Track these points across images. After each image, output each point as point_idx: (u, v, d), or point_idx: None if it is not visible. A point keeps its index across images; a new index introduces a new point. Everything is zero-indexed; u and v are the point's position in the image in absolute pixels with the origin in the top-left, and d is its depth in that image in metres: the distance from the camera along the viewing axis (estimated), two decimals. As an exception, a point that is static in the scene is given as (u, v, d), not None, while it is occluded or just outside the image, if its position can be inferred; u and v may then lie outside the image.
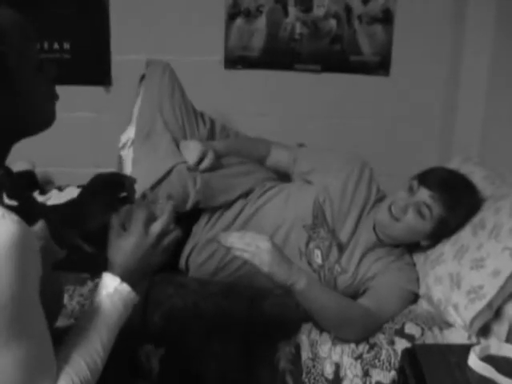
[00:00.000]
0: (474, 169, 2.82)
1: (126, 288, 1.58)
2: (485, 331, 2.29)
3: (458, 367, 1.70)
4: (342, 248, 2.55)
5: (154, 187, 2.54)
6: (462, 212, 2.48)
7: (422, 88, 3.38)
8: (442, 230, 2.50)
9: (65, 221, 1.87)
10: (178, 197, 2.56)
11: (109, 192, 1.96)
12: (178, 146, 2.70)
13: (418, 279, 2.53)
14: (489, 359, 1.72)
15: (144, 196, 1.77)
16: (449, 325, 2.33)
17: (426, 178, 2.52)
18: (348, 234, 2.58)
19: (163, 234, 1.63)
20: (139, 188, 2.41)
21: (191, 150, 2.62)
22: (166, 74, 2.79)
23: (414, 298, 2.49)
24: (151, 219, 1.64)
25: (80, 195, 2.04)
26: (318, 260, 2.51)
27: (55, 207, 2.62)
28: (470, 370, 1.69)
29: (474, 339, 2.25)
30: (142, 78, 2.83)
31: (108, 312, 1.54)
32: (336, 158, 2.76)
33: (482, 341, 2.25)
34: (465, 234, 2.46)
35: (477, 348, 1.72)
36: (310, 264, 2.51)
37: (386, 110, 3.41)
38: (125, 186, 1.96)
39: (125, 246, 1.60)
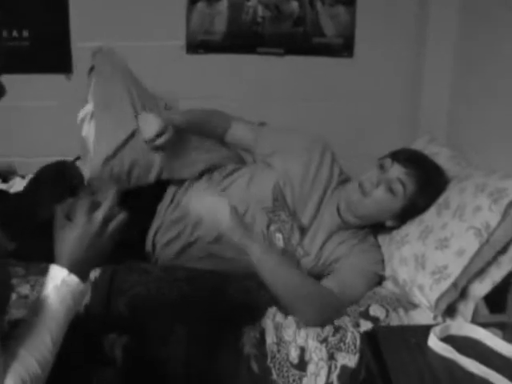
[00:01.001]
0: (440, 149, 2.82)
1: (74, 279, 1.55)
2: (451, 311, 2.30)
3: (419, 348, 1.68)
4: (303, 231, 2.53)
5: (116, 153, 2.51)
6: (432, 192, 2.47)
7: (385, 69, 3.35)
8: (410, 210, 2.48)
9: (15, 212, 1.84)
10: (142, 163, 2.55)
11: (57, 182, 1.94)
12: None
13: (382, 261, 2.52)
14: (449, 339, 1.71)
15: (88, 185, 1.75)
16: (414, 306, 2.33)
17: (401, 156, 2.50)
18: (310, 216, 2.56)
19: (107, 220, 1.61)
20: (103, 155, 2.40)
21: (149, 124, 2.52)
22: (115, 62, 2.74)
23: (379, 279, 2.49)
24: (95, 207, 1.61)
25: (26, 187, 2.01)
26: (280, 243, 2.49)
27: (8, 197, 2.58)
28: (430, 350, 1.68)
29: (439, 320, 2.26)
30: (91, 69, 2.76)
31: (56, 305, 1.52)
32: (297, 140, 2.73)
33: (448, 321, 2.25)
34: (429, 215, 2.46)
35: (437, 328, 1.70)
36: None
37: (349, 91, 3.38)
38: (72, 175, 1.94)
39: (70, 236, 1.57)
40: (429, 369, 1.61)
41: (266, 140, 2.75)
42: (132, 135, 2.55)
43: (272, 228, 2.51)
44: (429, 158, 2.59)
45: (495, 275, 2.26)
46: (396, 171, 2.45)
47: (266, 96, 3.37)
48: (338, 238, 2.54)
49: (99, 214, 1.60)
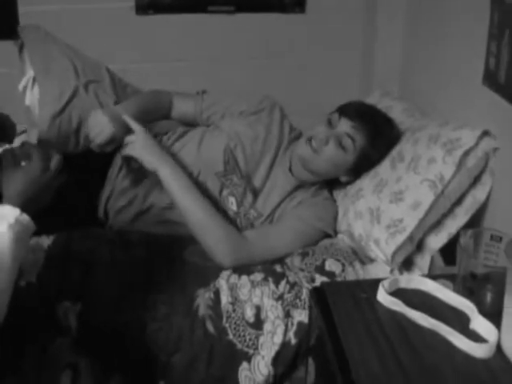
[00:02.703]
0: (393, 103, 2.80)
1: (26, 218, 1.62)
2: (407, 264, 2.30)
3: (368, 303, 1.66)
4: (256, 193, 2.51)
5: (63, 109, 2.47)
6: (383, 144, 2.46)
7: (338, 24, 3.31)
8: (363, 164, 2.47)
9: None
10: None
11: None
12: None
13: (334, 217, 2.51)
14: (399, 293, 1.69)
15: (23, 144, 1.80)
16: (371, 259, 2.32)
17: (347, 110, 2.47)
18: (262, 178, 2.53)
19: (45, 159, 1.76)
20: (50, 112, 2.42)
21: (101, 129, 2.37)
22: (44, 34, 2.66)
23: (322, 236, 2.46)
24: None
25: None
26: (233, 207, 2.47)
27: None
28: (380, 305, 1.66)
29: (396, 273, 2.25)
30: (21, 47, 2.67)
31: (13, 244, 1.55)
32: (244, 103, 2.70)
33: (405, 274, 2.25)
34: (383, 168, 2.44)
35: (385, 282, 1.68)
36: (226, 212, 2.46)
37: (303, 47, 3.34)
38: (5, 126, 1.99)
39: (21, 178, 1.69)
40: (378, 323, 1.59)
41: (212, 106, 2.71)
42: (76, 92, 2.51)
43: (224, 193, 2.48)
44: (378, 110, 2.57)
45: (451, 227, 2.26)
46: (344, 126, 2.43)
47: (218, 55, 3.31)
48: (291, 197, 2.51)
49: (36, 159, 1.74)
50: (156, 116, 2.68)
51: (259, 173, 2.53)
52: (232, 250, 2.26)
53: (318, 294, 1.71)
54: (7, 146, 1.83)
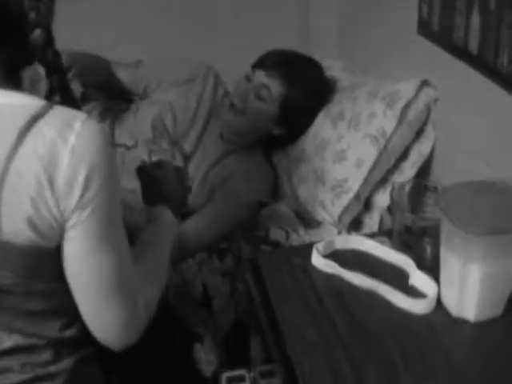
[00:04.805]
0: (333, 63, 2.72)
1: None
2: (356, 225, 2.27)
3: (302, 269, 1.59)
4: (187, 158, 2.42)
5: None
6: (305, 87, 2.40)
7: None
8: (290, 112, 2.39)
9: None
10: None
11: None
12: None
13: (270, 183, 2.43)
14: (334, 255, 1.62)
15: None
16: (318, 223, 2.26)
17: (261, 61, 2.43)
18: (193, 143, 2.45)
19: None
20: None
21: None
22: None
23: (258, 206, 2.37)
24: None
25: None
26: None
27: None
28: (315, 269, 1.59)
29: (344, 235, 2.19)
30: None
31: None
32: (178, 70, 2.61)
33: (354, 235, 2.19)
34: (324, 128, 2.38)
35: (319, 245, 1.61)
36: None
37: (239, 6, 3.22)
38: None
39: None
40: (313, 290, 1.52)
41: (147, 76, 2.61)
42: None
43: (153, 158, 2.40)
44: (298, 55, 2.50)
45: (398, 184, 2.20)
46: (259, 77, 2.38)
47: (145, 19, 3.16)
48: (223, 163, 2.42)
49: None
50: (95, 76, 2.54)
51: (189, 138, 2.45)
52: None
53: (252, 264, 1.64)
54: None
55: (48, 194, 1.19)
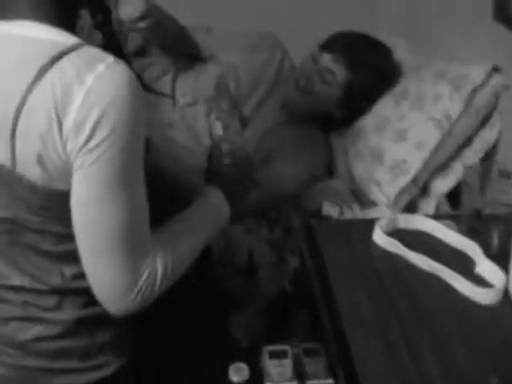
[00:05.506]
0: (397, 41, 2.65)
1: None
2: (411, 209, 2.19)
3: (361, 243, 1.54)
4: (245, 122, 2.42)
5: None
6: (370, 74, 2.35)
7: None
8: (353, 96, 2.35)
9: None
10: None
11: None
12: None
13: (323, 160, 2.38)
14: (396, 234, 1.57)
15: None
16: (372, 203, 2.20)
17: (328, 43, 2.39)
18: (252, 108, 2.45)
19: None
20: None
21: (132, 3, 2.29)
22: None
23: (311, 179, 2.31)
24: None
25: None
26: (219, 131, 2.36)
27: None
28: (375, 246, 1.53)
29: (398, 218, 2.13)
30: None
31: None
32: (246, 37, 2.60)
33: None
34: (386, 105, 2.32)
35: (382, 222, 1.55)
36: (211, 137, 2.35)
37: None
38: None
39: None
40: (371, 265, 1.48)
41: (217, 42, 2.58)
42: None
43: (212, 117, 2.37)
44: (365, 38, 2.46)
45: (459, 171, 2.14)
46: (325, 60, 2.35)
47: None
48: (280, 132, 2.40)
49: None
50: (169, 34, 2.51)
51: (250, 103, 2.46)
52: None
53: (306, 232, 1.58)
54: None
55: (56, 132, 1.16)
